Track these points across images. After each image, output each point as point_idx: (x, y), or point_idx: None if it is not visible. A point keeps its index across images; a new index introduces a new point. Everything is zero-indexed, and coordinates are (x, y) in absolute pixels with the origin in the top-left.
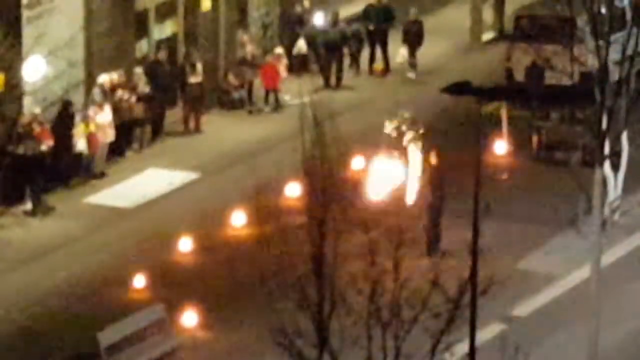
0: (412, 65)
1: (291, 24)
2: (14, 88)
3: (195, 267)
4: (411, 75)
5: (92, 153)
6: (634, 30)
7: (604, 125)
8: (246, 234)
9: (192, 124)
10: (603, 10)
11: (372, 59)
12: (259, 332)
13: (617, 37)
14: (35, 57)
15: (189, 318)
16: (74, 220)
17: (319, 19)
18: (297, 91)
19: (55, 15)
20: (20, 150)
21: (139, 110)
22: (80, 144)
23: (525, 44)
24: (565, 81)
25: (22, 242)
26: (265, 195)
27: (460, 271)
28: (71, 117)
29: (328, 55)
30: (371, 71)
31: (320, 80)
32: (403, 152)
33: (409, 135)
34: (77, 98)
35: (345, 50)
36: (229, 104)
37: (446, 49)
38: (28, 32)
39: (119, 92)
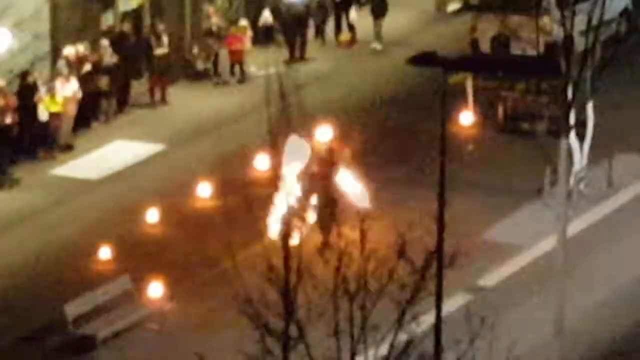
0: (378, 35)
1: None
2: None
3: (161, 239)
4: (376, 46)
5: (58, 126)
6: (599, 0)
7: (570, 95)
8: (212, 205)
9: (158, 96)
10: None
11: (337, 29)
12: (225, 303)
13: (582, 7)
14: (1, 29)
15: (156, 289)
16: (40, 192)
17: None
18: (262, 63)
19: None
20: None
21: (104, 82)
22: (46, 116)
23: (490, 14)
24: (531, 51)
25: None
26: (231, 167)
27: (426, 242)
28: (32, 86)
29: (293, 26)
30: (338, 42)
31: (285, 52)
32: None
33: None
34: (43, 70)
35: (311, 22)
36: (194, 76)
37: (412, 19)
38: None
39: (85, 64)
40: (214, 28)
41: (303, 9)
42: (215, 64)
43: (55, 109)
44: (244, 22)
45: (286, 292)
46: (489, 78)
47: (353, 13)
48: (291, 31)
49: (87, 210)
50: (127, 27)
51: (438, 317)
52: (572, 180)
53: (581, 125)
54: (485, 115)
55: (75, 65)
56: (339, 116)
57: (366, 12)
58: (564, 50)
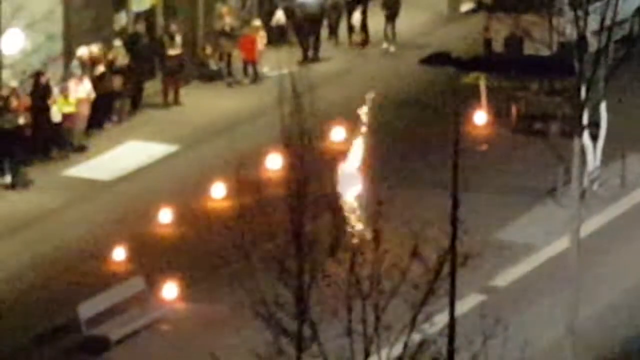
0: (391, 37)
1: None
2: None
3: (175, 239)
4: (388, 47)
5: (71, 126)
6: (612, 0)
7: (583, 95)
8: (226, 206)
9: (171, 96)
10: None
11: (350, 30)
12: (239, 304)
13: (596, 7)
14: (14, 30)
15: (169, 290)
16: (53, 193)
17: None
18: (275, 63)
19: None
20: None
21: (117, 83)
22: (59, 117)
23: (503, 14)
24: (544, 51)
25: (1, 215)
26: (244, 168)
27: (439, 242)
28: (45, 87)
29: (307, 26)
30: (350, 42)
31: (298, 52)
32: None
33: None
34: (56, 71)
35: (324, 22)
36: (207, 76)
37: (425, 20)
38: (6, 5)
39: (98, 65)
40: (227, 28)
41: (317, 8)
42: (229, 64)
43: (68, 109)
44: (257, 23)
45: (300, 293)
46: (503, 78)
47: (357, 15)
48: (305, 31)
49: (101, 211)
50: (140, 27)
51: (451, 317)
52: (585, 180)
53: (594, 125)
54: (498, 115)
55: (88, 65)
56: (351, 117)
57: (380, 13)
58: (577, 50)
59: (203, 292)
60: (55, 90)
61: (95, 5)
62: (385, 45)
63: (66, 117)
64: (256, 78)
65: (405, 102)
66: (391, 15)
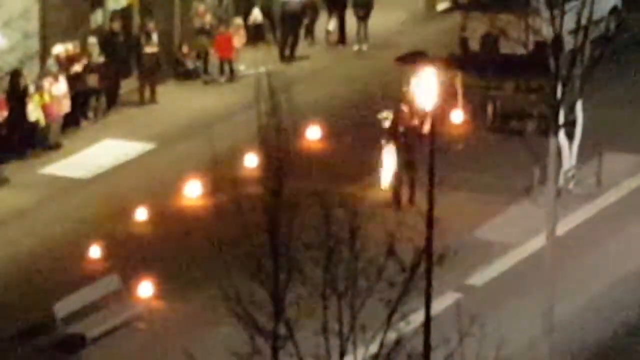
0: (363, 37)
1: None
2: None
3: (151, 238)
4: (360, 47)
5: (47, 124)
6: None
7: (559, 94)
8: (202, 205)
9: (147, 95)
10: None
11: (327, 31)
12: (214, 302)
13: (572, 6)
14: None
15: (145, 288)
16: (29, 191)
17: None
18: (252, 61)
19: None
20: None
21: (93, 81)
22: (35, 115)
23: (480, 13)
24: (520, 50)
25: None
26: (220, 166)
27: (415, 240)
28: (22, 86)
29: (286, 25)
30: (327, 42)
31: (275, 51)
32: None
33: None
34: (32, 69)
35: (303, 21)
36: (184, 74)
37: (401, 18)
38: None
39: (74, 63)
40: (207, 26)
41: (298, 7)
42: (205, 62)
43: (39, 115)
44: (238, 21)
45: (275, 291)
46: (478, 77)
47: (333, 22)
48: (285, 30)
49: (76, 209)
50: (116, 25)
51: (427, 315)
52: (561, 179)
53: (570, 124)
54: (474, 114)
55: (64, 64)
56: (328, 115)
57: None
58: (553, 49)
59: (179, 290)
60: (31, 88)
61: (72, 3)
62: (356, 47)
63: (42, 114)
64: (232, 76)
65: (380, 100)
66: (363, 16)
